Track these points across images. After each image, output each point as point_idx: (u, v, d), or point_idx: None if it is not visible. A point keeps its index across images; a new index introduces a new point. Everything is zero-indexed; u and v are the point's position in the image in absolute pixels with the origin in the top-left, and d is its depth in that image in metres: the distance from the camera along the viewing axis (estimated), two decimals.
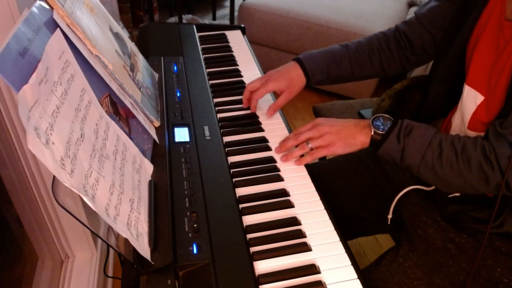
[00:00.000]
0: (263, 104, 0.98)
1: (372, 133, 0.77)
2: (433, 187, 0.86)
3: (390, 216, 0.89)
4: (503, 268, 0.76)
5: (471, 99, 0.78)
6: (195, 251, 0.61)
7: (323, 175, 1.01)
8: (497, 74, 0.72)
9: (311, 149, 0.80)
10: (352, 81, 1.01)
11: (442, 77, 0.85)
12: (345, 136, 0.79)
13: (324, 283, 0.61)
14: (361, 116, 1.29)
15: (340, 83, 1.02)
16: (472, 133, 0.78)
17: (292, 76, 0.93)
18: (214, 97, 0.99)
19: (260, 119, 0.94)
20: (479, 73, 0.77)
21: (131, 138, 0.70)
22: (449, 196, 0.82)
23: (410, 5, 2.49)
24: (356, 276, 0.63)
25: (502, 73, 0.70)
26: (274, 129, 0.91)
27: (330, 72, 0.95)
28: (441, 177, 0.72)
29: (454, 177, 0.71)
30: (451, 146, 0.71)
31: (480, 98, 0.76)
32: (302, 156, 0.83)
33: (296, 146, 0.83)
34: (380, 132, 0.77)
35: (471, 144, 0.70)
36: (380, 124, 0.78)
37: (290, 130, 0.91)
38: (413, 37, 0.92)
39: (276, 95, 0.98)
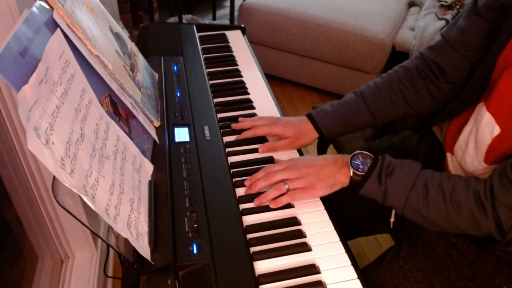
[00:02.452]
0: (263, 104, 0.98)
1: (351, 173, 0.71)
2: None
3: (392, 220, 0.88)
4: (503, 276, 0.75)
5: (488, 129, 0.70)
6: (195, 251, 0.61)
7: None
8: None
9: (288, 190, 0.73)
10: (380, 124, 0.92)
11: (464, 96, 0.78)
12: (325, 176, 0.73)
13: (324, 283, 0.61)
14: None
15: (365, 127, 0.95)
16: (485, 165, 0.72)
17: (301, 129, 0.87)
18: (214, 97, 0.99)
19: None
20: (502, 103, 0.69)
21: (131, 138, 0.70)
22: None
23: (410, 5, 2.49)
24: (356, 276, 0.63)
25: None
26: None
27: (349, 123, 0.88)
28: (427, 219, 0.69)
29: (441, 220, 0.68)
30: (438, 189, 0.67)
31: (497, 130, 0.69)
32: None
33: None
34: (360, 173, 0.71)
35: (462, 186, 0.65)
36: (359, 163, 0.72)
37: None
38: (446, 65, 0.82)
39: (277, 95, 0.98)
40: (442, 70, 0.83)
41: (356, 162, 0.72)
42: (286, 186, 0.73)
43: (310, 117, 0.88)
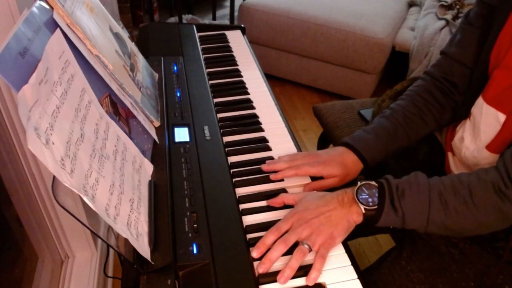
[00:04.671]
0: (263, 104, 0.98)
1: (363, 210, 0.67)
2: None
3: None
4: (506, 275, 0.75)
5: (492, 118, 0.72)
6: (195, 251, 0.61)
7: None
8: None
9: (309, 249, 0.64)
10: (407, 146, 0.88)
11: (466, 98, 0.80)
12: (338, 221, 0.66)
13: (324, 283, 0.61)
14: (361, 116, 1.28)
15: (399, 152, 0.89)
16: (487, 153, 0.74)
17: (346, 163, 0.79)
18: (214, 97, 0.99)
19: (260, 119, 0.94)
20: (500, 93, 0.71)
21: (131, 138, 0.70)
22: None
23: (410, 5, 2.50)
24: (356, 276, 0.63)
25: None
26: (274, 129, 0.91)
27: (388, 149, 0.83)
28: (452, 229, 0.66)
29: (468, 225, 0.66)
30: (455, 195, 0.64)
31: (501, 117, 0.71)
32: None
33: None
34: (372, 207, 0.66)
35: (477, 184, 0.64)
36: (367, 196, 0.67)
37: (290, 130, 0.91)
38: (456, 78, 0.83)
39: (277, 95, 0.97)
40: (454, 84, 0.84)
41: (364, 197, 0.67)
42: (306, 246, 0.63)
43: (351, 147, 0.81)
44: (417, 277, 0.78)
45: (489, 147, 0.73)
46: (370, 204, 0.66)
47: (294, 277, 0.61)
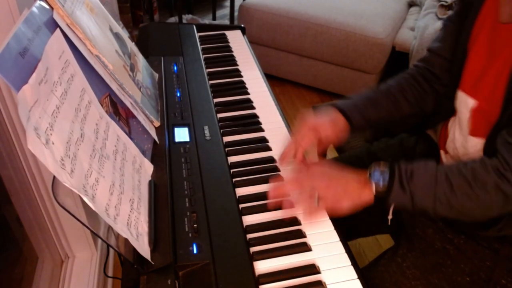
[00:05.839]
0: (263, 104, 0.98)
1: (374, 190, 0.71)
2: None
3: (390, 217, 0.89)
4: (501, 269, 0.76)
5: (463, 105, 0.77)
6: (195, 251, 0.61)
7: None
8: (494, 77, 0.71)
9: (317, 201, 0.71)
10: (392, 125, 0.94)
11: (449, 90, 0.83)
12: (351, 193, 0.71)
13: (324, 283, 0.61)
14: None
15: (381, 129, 0.96)
16: (474, 139, 0.77)
17: (337, 122, 0.85)
18: (214, 97, 0.99)
19: (260, 119, 0.94)
20: (473, 78, 0.76)
21: (131, 138, 0.70)
22: None
23: (410, 5, 2.49)
24: (356, 276, 0.63)
25: (501, 77, 0.69)
26: (274, 129, 0.91)
27: (370, 114, 0.88)
28: (459, 210, 0.69)
29: (473, 206, 0.68)
30: (460, 176, 0.68)
31: (471, 102, 0.75)
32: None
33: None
34: (382, 187, 0.70)
35: (481, 167, 0.67)
36: (379, 177, 0.71)
37: (290, 130, 0.91)
38: (436, 70, 0.89)
39: (277, 95, 0.98)
40: (436, 75, 0.89)
41: (376, 177, 0.71)
42: (316, 204, 0.70)
43: (337, 108, 0.86)
44: (413, 274, 0.78)
45: (472, 132, 0.77)
46: (381, 184, 0.70)
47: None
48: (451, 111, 0.84)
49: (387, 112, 0.89)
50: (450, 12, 2.14)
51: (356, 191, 0.71)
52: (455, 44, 0.84)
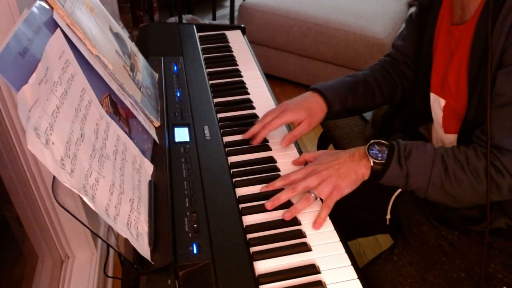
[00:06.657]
0: (263, 104, 0.98)
1: (372, 163, 0.72)
2: None
3: (388, 217, 0.89)
4: (497, 264, 0.76)
5: (437, 105, 0.80)
6: (195, 251, 0.61)
7: None
8: (455, 76, 0.73)
9: (315, 198, 0.73)
10: (362, 113, 0.98)
11: (421, 92, 0.86)
12: (346, 174, 0.73)
13: (324, 283, 0.61)
14: (361, 116, 1.28)
15: (351, 115, 0.99)
16: (450, 136, 0.80)
17: (311, 106, 0.86)
18: (214, 97, 0.99)
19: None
20: (438, 79, 0.79)
21: (131, 138, 0.70)
22: None
23: (410, 5, 2.49)
24: (356, 276, 0.63)
25: (461, 75, 0.72)
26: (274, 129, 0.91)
27: (348, 101, 0.90)
28: (451, 194, 0.70)
29: (465, 191, 0.69)
30: (455, 160, 0.69)
31: (442, 102, 0.78)
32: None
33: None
34: (379, 161, 0.72)
35: (473, 154, 0.69)
36: (377, 152, 0.72)
37: (290, 130, 0.91)
38: (402, 67, 0.94)
39: (277, 95, 0.98)
40: (403, 72, 0.95)
41: (374, 152, 0.73)
42: (313, 195, 0.72)
43: (316, 90, 0.88)
44: (408, 272, 0.79)
45: (446, 130, 0.80)
46: (379, 158, 0.72)
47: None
48: (430, 113, 0.87)
49: (362, 100, 0.92)
50: None
51: (352, 169, 0.73)
52: (417, 46, 0.87)
